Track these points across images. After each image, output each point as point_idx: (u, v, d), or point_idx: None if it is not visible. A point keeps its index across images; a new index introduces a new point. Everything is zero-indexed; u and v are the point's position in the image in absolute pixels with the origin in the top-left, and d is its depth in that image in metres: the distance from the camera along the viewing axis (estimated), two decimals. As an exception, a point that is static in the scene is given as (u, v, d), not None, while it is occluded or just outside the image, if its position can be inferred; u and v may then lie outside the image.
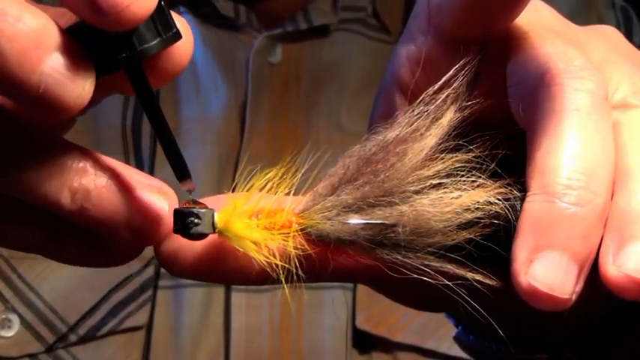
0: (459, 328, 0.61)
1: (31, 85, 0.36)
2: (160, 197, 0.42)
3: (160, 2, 0.38)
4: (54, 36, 0.36)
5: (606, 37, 0.49)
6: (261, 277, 0.44)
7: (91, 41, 0.38)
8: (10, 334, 0.90)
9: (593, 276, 0.41)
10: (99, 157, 0.42)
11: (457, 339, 0.61)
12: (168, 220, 0.42)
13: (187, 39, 0.41)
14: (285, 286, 0.44)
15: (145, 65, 0.40)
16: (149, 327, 0.93)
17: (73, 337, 0.92)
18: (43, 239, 0.45)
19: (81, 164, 0.41)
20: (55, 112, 0.37)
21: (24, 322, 0.91)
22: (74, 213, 0.41)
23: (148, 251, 0.98)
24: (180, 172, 0.43)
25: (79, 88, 0.37)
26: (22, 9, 0.35)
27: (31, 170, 0.40)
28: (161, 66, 0.40)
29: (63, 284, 0.92)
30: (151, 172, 0.97)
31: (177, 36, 0.40)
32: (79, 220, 0.42)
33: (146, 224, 0.42)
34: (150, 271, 0.94)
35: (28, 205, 0.42)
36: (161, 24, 0.39)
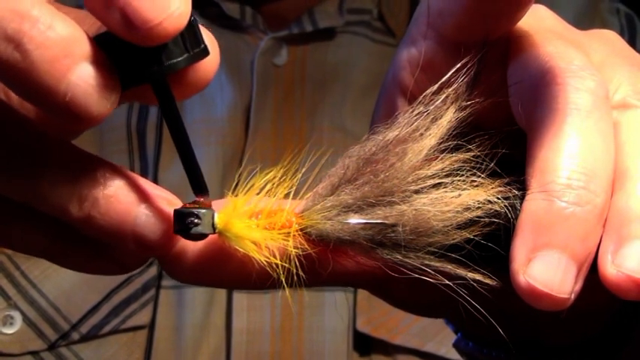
0: (459, 335, 0.61)
1: (58, 94, 0.36)
2: (167, 207, 0.42)
3: (191, 18, 0.38)
4: (84, 46, 0.36)
5: (607, 39, 0.49)
6: (261, 279, 0.44)
7: (118, 52, 0.38)
8: (12, 331, 0.91)
9: (593, 276, 0.41)
10: (109, 165, 0.42)
11: (456, 346, 0.61)
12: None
13: (214, 54, 0.41)
14: (285, 287, 0.44)
15: (171, 79, 0.40)
16: (151, 326, 0.94)
17: (75, 336, 0.92)
18: (48, 244, 0.45)
19: (90, 172, 0.41)
20: (80, 121, 0.37)
21: (26, 319, 0.91)
22: (81, 221, 0.41)
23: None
24: (198, 187, 0.43)
25: (105, 100, 0.37)
26: (53, 17, 0.36)
27: (40, 177, 0.40)
28: (187, 80, 0.41)
29: (66, 282, 0.92)
30: (156, 173, 0.97)
31: (205, 52, 0.40)
32: (86, 228, 0.42)
33: (153, 234, 0.42)
34: (152, 271, 0.94)
35: (35, 209, 0.42)
36: (190, 40, 0.39)
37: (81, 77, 0.36)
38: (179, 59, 0.39)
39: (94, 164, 0.42)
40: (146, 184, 0.43)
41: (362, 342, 0.95)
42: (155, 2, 0.35)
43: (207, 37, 0.40)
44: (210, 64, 0.41)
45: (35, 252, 0.45)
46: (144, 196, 0.42)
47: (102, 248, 0.45)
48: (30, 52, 0.35)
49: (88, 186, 0.41)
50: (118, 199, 0.41)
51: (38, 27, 0.35)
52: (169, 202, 0.43)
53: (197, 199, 0.43)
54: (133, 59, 0.38)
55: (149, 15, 0.35)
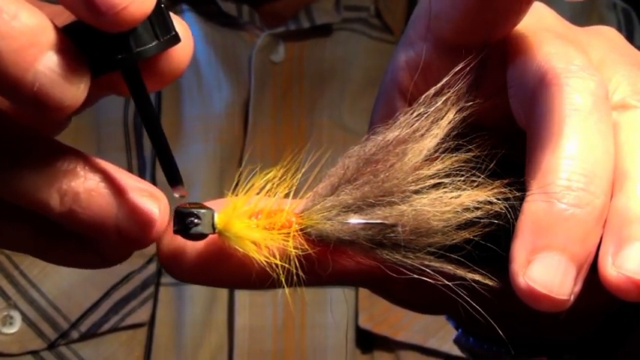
0: (459, 331, 0.61)
1: (26, 84, 0.35)
2: (150, 201, 0.42)
3: (158, 4, 0.38)
4: (50, 35, 0.36)
5: (606, 37, 0.49)
6: (260, 279, 0.44)
7: (87, 41, 0.37)
8: (11, 330, 0.91)
9: (593, 277, 0.41)
10: (89, 158, 0.42)
11: (457, 342, 0.61)
12: (159, 223, 0.42)
13: (187, 42, 0.40)
14: (285, 287, 0.44)
15: (143, 67, 0.39)
16: (151, 324, 0.94)
17: (74, 334, 0.92)
18: (31, 239, 0.44)
19: (70, 166, 0.41)
20: (50, 111, 0.37)
21: (26, 318, 0.91)
22: (63, 216, 0.41)
23: (150, 248, 0.98)
24: (172, 178, 0.42)
25: (74, 88, 0.37)
26: (18, 6, 0.35)
27: (19, 172, 0.40)
28: (159, 68, 0.40)
29: (65, 281, 0.92)
30: (153, 169, 0.97)
31: (176, 39, 0.40)
32: (68, 222, 0.41)
33: (136, 228, 0.41)
34: (152, 268, 0.94)
35: (16, 205, 0.41)
36: (159, 26, 0.39)
37: (48, 66, 0.36)
38: (149, 46, 0.38)
39: (73, 157, 0.41)
40: (128, 176, 0.42)
41: (364, 338, 0.95)
42: None
43: (180, 24, 0.40)
44: (183, 52, 0.40)
45: (18, 248, 0.45)
46: (126, 189, 0.41)
47: (86, 242, 0.45)
48: None
49: (67, 180, 0.40)
50: (100, 192, 0.41)
51: (2, 17, 0.35)
52: (151, 194, 0.42)
53: (173, 190, 0.42)
54: (102, 47, 0.38)
55: (113, 0, 0.35)
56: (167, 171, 0.42)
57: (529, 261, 0.40)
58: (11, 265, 0.92)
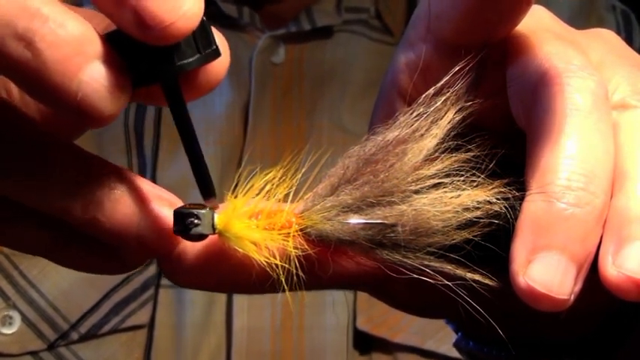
0: (459, 334, 0.61)
1: (69, 93, 0.35)
2: (170, 210, 0.42)
3: (202, 19, 0.38)
4: (95, 44, 0.36)
5: (605, 39, 0.49)
6: (261, 280, 0.44)
7: (129, 51, 0.37)
8: (11, 331, 0.91)
9: (593, 277, 0.41)
10: (114, 167, 0.42)
11: (457, 345, 0.61)
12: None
13: (225, 56, 0.40)
14: (285, 288, 0.44)
15: (181, 80, 0.39)
16: (151, 326, 0.94)
17: (74, 335, 0.92)
18: (49, 243, 0.44)
19: (96, 175, 0.41)
20: (91, 120, 0.37)
21: (25, 319, 0.91)
22: (85, 223, 0.41)
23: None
24: (207, 191, 0.42)
25: (116, 99, 0.37)
26: (65, 15, 0.35)
27: (44, 180, 0.40)
28: (197, 81, 0.40)
29: (65, 282, 0.92)
30: (154, 172, 0.97)
31: (217, 53, 0.40)
32: (90, 230, 0.42)
33: (156, 237, 0.42)
34: (151, 269, 0.94)
35: (36, 209, 0.42)
36: (202, 40, 0.39)
37: (92, 76, 0.36)
38: (191, 60, 0.38)
39: (99, 167, 0.42)
40: (149, 185, 0.43)
41: (362, 340, 0.95)
42: (168, 2, 0.35)
43: (219, 38, 0.40)
44: (221, 65, 0.41)
45: (35, 251, 0.45)
46: (147, 199, 0.42)
47: (102, 247, 0.45)
48: (41, 51, 0.35)
49: (93, 189, 0.41)
50: (124, 202, 0.41)
51: (49, 25, 0.35)
52: (171, 203, 0.43)
53: (205, 202, 0.43)
54: (145, 58, 0.38)
55: (162, 15, 0.35)
56: (201, 183, 0.42)
57: (529, 261, 0.40)
58: (10, 265, 0.92)
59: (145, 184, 0.42)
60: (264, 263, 0.43)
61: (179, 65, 0.38)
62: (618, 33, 0.50)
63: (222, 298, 0.95)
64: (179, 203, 0.43)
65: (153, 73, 0.38)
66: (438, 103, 0.44)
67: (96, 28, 0.37)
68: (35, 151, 0.40)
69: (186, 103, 0.40)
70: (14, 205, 0.42)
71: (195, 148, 0.41)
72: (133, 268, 0.47)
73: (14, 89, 0.44)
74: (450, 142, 0.44)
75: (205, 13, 0.38)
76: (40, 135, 0.41)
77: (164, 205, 0.42)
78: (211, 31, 0.40)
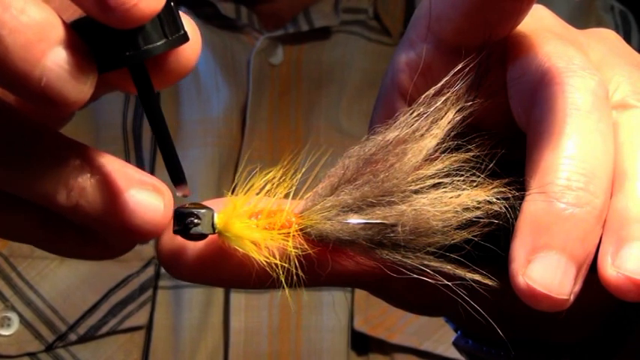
0: (459, 333, 0.61)
1: (33, 79, 0.35)
2: (155, 195, 0.42)
3: (168, 2, 0.38)
4: (58, 30, 0.36)
5: (605, 39, 0.49)
6: (260, 279, 0.44)
7: (95, 37, 0.37)
8: (9, 332, 0.90)
9: (592, 277, 0.41)
10: (96, 153, 0.42)
11: (456, 344, 0.61)
12: (163, 217, 0.42)
13: (195, 42, 0.40)
14: (285, 287, 0.44)
15: (150, 65, 0.39)
16: (149, 327, 0.94)
17: (72, 337, 0.92)
18: (37, 230, 0.44)
19: (78, 161, 0.41)
20: (57, 106, 0.37)
21: (23, 320, 0.91)
22: (69, 210, 0.41)
23: (148, 251, 0.98)
24: (177, 177, 0.42)
25: (81, 85, 0.37)
26: (26, 1, 0.35)
27: (26, 166, 0.40)
28: (166, 67, 0.40)
29: (63, 283, 0.92)
30: (152, 172, 0.97)
31: (184, 38, 0.40)
32: (74, 216, 0.42)
33: (140, 222, 0.42)
34: (150, 271, 0.94)
35: (20, 197, 0.41)
36: (168, 25, 0.39)
37: (55, 62, 0.36)
38: (157, 44, 0.38)
39: (80, 152, 0.41)
40: (134, 170, 0.42)
41: (359, 341, 0.95)
42: None
43: (188, 24, 0.40)
44: (191, 51, 0.40)
45: (23, 238, 0.45)
46: (130, 183, 0.42)
47: (88, 234, 0.45)
48: (3, 37, 0.35)
49: (75, 175, 0.41)
50: (106, 187, 0.41)
51: (11, 11, 0.35)
52: (155, 188, 0.42)
53: (176, 189, 0.43)
54: (110, 43, 0.38)
55: None
56: (171, 170, 0.42)
57: (529, 261, 0.40)
58: (9, 266, 0.92)
59: (128, 170, 0.42)
60: (264, 262, 0.43)
61: (145, 50, 0.38)
62: (616, 33, 0.50)
63: (219, 299, 0.95)
64: (164, 189, 0.43)
65: (118, 57, 0.38)
66: (439, 103, 0.44)
67: (70, 17, 0.37)
68: (15, 137, 0.40)
69: (154, 88, 0.40)
70: (2, 194, 0.42)
71: (165, 134, 0.41)
72: (120, 254, 0.47)
73: None
74: (450, 142, 0.44)
75: (199, 13, 0.38)
76: (20, 122, 0.41)
77: (147, 189, 0.42)
78: (179, 16, 0.39)
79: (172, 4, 0.39)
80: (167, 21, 0.38)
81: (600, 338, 0.54)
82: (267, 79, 1.02)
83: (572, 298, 0.40)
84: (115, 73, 0.39)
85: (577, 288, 0.40)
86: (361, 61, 1.04)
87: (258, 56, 1.01)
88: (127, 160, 0.97)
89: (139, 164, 0.97)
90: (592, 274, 0.41)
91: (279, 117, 1.01)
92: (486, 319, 0.43)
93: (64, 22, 0.37)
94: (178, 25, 0.39)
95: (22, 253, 0.91)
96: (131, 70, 0.39)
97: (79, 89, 0.37)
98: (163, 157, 0.42)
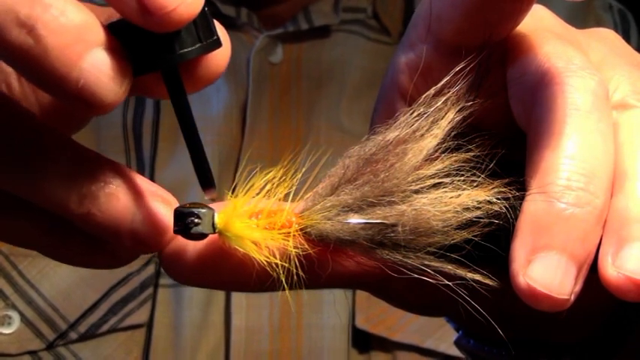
0: (460, 332, 0.61)
1: (71, 80, 0.36)
2: (164, 206, 0.43)
3: (204, 8, 0.38)
4: (96, 32, 0.36)
5: (605, 39, 0.49)
6: (261, 279, 0.44)
7: (131, 40, 0.38)
8: (10, 330, 0.91)
9: (593, 277, 0.41)
10: (110, 162, 0.42)
11: (458, 344, 0.61)
12: (171, 228, 0.43)
13: (226, 47, 0.41)
14: (285, 287, 0.44)
15: (182, 69, 0.40)
16: (150, 325, 0.94)
17: (73, 335, 0.92)
18: (42, 237, 0.45)
19: (92, 170, 0.41)
20: (92, 108, 0.37)
21: (24, 319, 0.91)
22: (80, 217, 0.41)
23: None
24: (206, 181, 0.43)
25: (117, 86, 0.37)
26: (66, 3, 0.36)
27: (41, 173, 0.40)
28: (197, 72, 0.41)
29: (63, 282, 0.92)
30: (152, 172, 0.97)
31: (218, 43, 0.40)
32: (84, 224, 0.42)
33: (150, 232, 0.42)
34: (150, 269, 0.94)
35: (31, 203, 0.42)
36: (203, 30, 0.39)
37: (93, 64, 0.36)
38: (191, 48, 0.39)
39: (95, 161, 0.42)
40: (144, 181, 0.43)
41: (361, 339, 0.95)
42: None
43: (220, 29, 0.40)
44: (222, 56, 0.41)
45: (28, 244, 0.45)
46: (142, 194, 0.42)
47: (95, 242, 0.45)
48: (43, 38, 0.35)
49: (89, 183, 0.41)
50: (118, 197, 0.42)
51: (51, 12, 0.35)
52: (165, 199, 0.43)
53: (205, 193, 0.43)
54: (146, 46, 0.38)
55: (164, 1, 0.35)
56: (200, 173, 0.42)
57: (529, 261, 0.40)
58: (9, 265, 0.92)
59: (140, 180, 0.43)
60: (265, 262, 0.43)
61: (180, 54, 0.38)
62: (615, 32, 0.50)
63: (220, 297, 0.95)
64: (173, 200, 0.43)
65: (154, 61, 0.39)
66: (439, 103, 0.44)
67: (99, 18, 0.37)
68: (32, 144, 0.41)
69: (186, 93, 0.40)
70: (10, 198, 0.42)
71: (195, 138, 0.41)
72: (126, 262, 0.47)
73: (14, 82, 0.44)
74: (451, 142, 0.44)
75: (206, 5, 0.38)
76: (39, 128, 0.41)
77: (158, 201, 0.43)
78: (212, 21, 0.40)
79: (206, 9, 0.39)
80: (202, 26, 0.39)
81: (600, 338, 0.54)
82: (267, 77, 1.01)
83: (572, 298, 0.40)
84: (148, 77, 0.40)
85: (577, 288, 0.40)
86: (361, 60, 1.04)
87: (257, 55, 1.01)
88: (128, 159, 0.97)
89: (139, 164, 0.97)
90: (592, 274, 0.41)
91: (280, 116, 1.01)
92: (487, 319, 0.43)
93: (102, 25, 0.37)
94: (212, 30, 0.40)
95: (22, 252, 0.91)
96: (164, 73, 0.39)
97: (115, 91, 0.37)
98: (193, 161, 0.42)
